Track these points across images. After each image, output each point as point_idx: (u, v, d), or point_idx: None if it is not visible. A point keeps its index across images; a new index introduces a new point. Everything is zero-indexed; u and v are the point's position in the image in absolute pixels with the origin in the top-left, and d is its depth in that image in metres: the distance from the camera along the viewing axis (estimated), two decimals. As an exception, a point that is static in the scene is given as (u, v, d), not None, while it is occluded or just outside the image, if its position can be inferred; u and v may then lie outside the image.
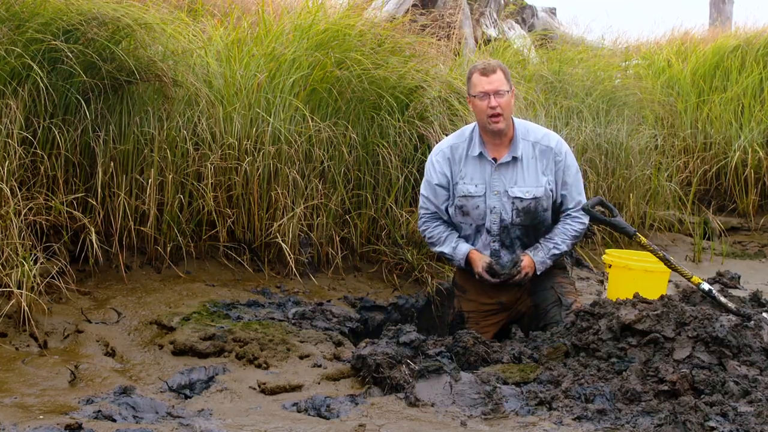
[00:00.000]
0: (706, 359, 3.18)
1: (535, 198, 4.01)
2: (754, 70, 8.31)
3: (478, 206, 4.04)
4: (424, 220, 4.19)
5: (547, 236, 4.09)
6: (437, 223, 4.15)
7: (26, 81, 3.98)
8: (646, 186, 6.98)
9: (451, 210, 4.13)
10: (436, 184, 4.12)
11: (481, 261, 4.03)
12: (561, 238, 4.07)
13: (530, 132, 4.09)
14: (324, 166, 4.80)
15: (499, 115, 3.95)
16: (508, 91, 3.98)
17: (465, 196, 4.05)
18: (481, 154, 4.05)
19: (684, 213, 7.22)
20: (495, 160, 4.05)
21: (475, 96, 4.00)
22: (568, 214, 4.10)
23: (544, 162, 4.04)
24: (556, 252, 4.06)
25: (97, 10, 4.12)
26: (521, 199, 4.01)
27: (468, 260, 4.06)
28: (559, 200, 4.10)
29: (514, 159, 4.03)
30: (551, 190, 4.05)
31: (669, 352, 3.22)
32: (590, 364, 3.28)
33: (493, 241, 4.06)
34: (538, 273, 4.03)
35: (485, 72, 3.98)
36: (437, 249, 4.15)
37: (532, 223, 4.04)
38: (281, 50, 4.85)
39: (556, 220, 4.15)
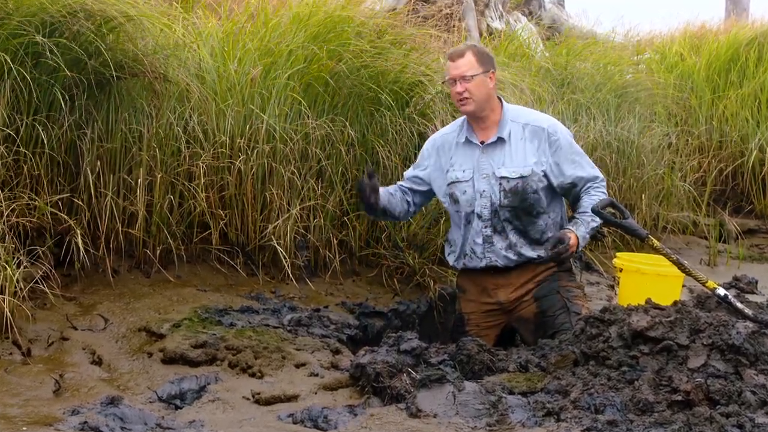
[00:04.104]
0: (721, 368, 3.18)
1: (521, 177, 4.06)
2: (771, 64, 8.31)
3: (465, 191, 4.13)
4: None
5: (579, 211, 4.09)
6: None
7: (8, 76, 3.98)
8: (659, 186, 6.98)
9: (443, 200, 4.26)
10: (418, 166, 4.30)
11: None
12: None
13: (521, 115, 4.19)
14: (321, 166, 4.81)
15: (465, 98, 4.07)
16: (476, 75, 4.05)
17: (453, 182, 4.16)
18: (467, 140, 4.17)
19: (699, 214, 7.22)
20: (482, 143, 4.14)
21: (444, 82, 4.22)
22: (589, 186, 4.12)
23: (535, 143, 4.09)
24: (594, 225, 4.05)
25: (83, 2, 4.12)
26: (507, 179, 4.06)
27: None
28: (569, 181, 4.11)
29: (500, 140, 4.11)
30: (543, 171, 4.07)
31: (683, 360, 3.22)
32: (600, 373, 3.28)
33: (485, 227, 4.10)
34: (579, 249, 4.02)
35: (452, 57, 4.12)
36: None
37: (521, 205, 4.08)
38: (277, 42, 4.86)
39: (572, 207, 4.20)
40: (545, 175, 4.09)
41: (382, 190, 4.16)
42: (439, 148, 4.22)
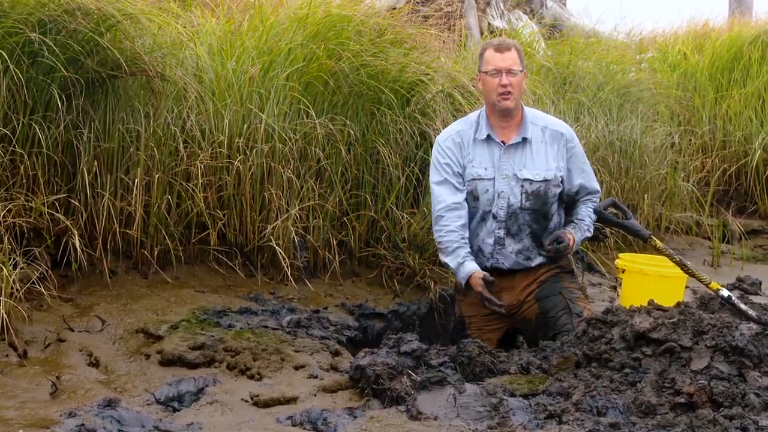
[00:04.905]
0: (725, 370, 3.18)
1: (545, 181, 4.07)
2: (775, 62, 8.31)
3: (487, 189, 4.09)
4: (439, 215, 4.08)
5: (577, 217, 4.16)
6: (452, 224, 4.05)
7: (4, 76, 3.98)
8: (662, 186, 6.98)
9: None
10: (449, 167, 4.11)
11: (477, 280, 3.99)
12: (589, 220, 4.15)
13: (539, 118, 4.19)
14: (320, 165, 4.81)
15: (509, 93, 4.03)
16: (520, 71, 4.07)
17: (475, 179, 4.10)
18: (488, 137, 4.12)
19: (702, 215, 7.22)
20: (503, 143, 4.10)
21: (486, 72, 4.07)
22: (587, 198, 4.19)
23: (555, 147, 4.12)
24: (588, 235, 4.16)
25: (80, 1, 4.12)
26: (531, 182, 4.06)
27: (469, 282, 4.02)
28: (575, 189, 4.16)
29: (524, 140, 4.10)
30: (561, 177, 4.09)
31: (686, 362, 3.22)
32: (602, 375, 3.28)
33: (499, 228, 4.08)
34: (570, 252, 4.10)
35: (500, 49, 4.07)
36: (443, 258, 4.13)
37: (542, 208, 4.08)
38: (276, 41, 4.86)
39: (566, 212, 4.22)
40: (561, 180, 4.10)
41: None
42: (459, 143, 4.13)
